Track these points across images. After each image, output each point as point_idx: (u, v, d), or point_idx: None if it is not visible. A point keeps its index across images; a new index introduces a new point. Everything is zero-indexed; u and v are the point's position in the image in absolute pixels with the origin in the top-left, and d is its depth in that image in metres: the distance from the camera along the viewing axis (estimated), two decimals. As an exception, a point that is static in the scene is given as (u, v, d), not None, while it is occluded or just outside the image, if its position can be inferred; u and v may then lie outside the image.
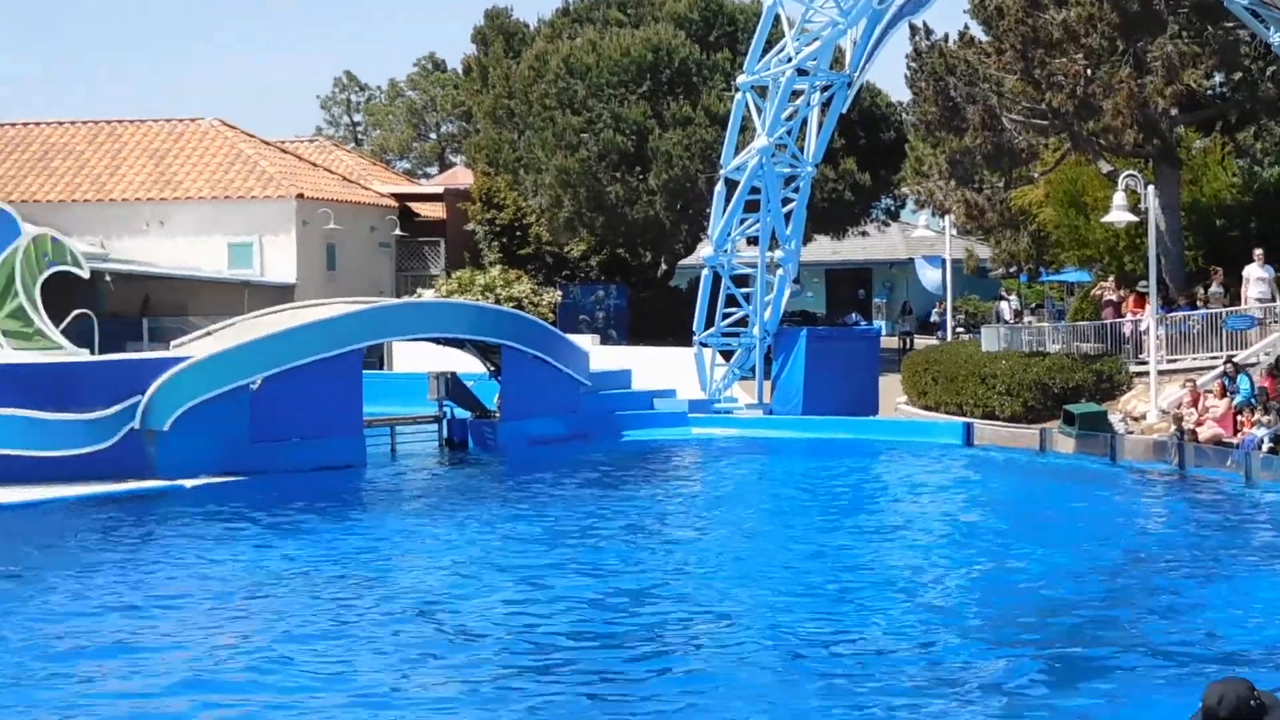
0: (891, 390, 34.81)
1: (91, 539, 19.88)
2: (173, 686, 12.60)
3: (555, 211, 47.09)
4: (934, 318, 52.75)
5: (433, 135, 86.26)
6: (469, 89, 55.84)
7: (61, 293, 29.40)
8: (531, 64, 48.38)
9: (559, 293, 48.12)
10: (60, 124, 51.01)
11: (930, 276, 52.98)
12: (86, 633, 14.45)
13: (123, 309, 42.04)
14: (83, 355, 27.38)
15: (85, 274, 29.12)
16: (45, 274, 28.19)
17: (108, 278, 38.88)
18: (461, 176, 58.80)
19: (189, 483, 23.86)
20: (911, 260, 57.53)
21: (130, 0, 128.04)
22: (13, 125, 51.06)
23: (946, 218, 41.21)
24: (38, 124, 51.08)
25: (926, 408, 33.02)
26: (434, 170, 79.81)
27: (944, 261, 46.22)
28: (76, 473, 23.50)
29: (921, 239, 52.16)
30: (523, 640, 14.14)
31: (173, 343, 28.53)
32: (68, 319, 28.59)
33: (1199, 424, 25.72)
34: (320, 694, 12.33)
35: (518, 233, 50.78)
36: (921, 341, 48.62)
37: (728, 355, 34.02)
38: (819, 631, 14.42)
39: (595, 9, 51.63)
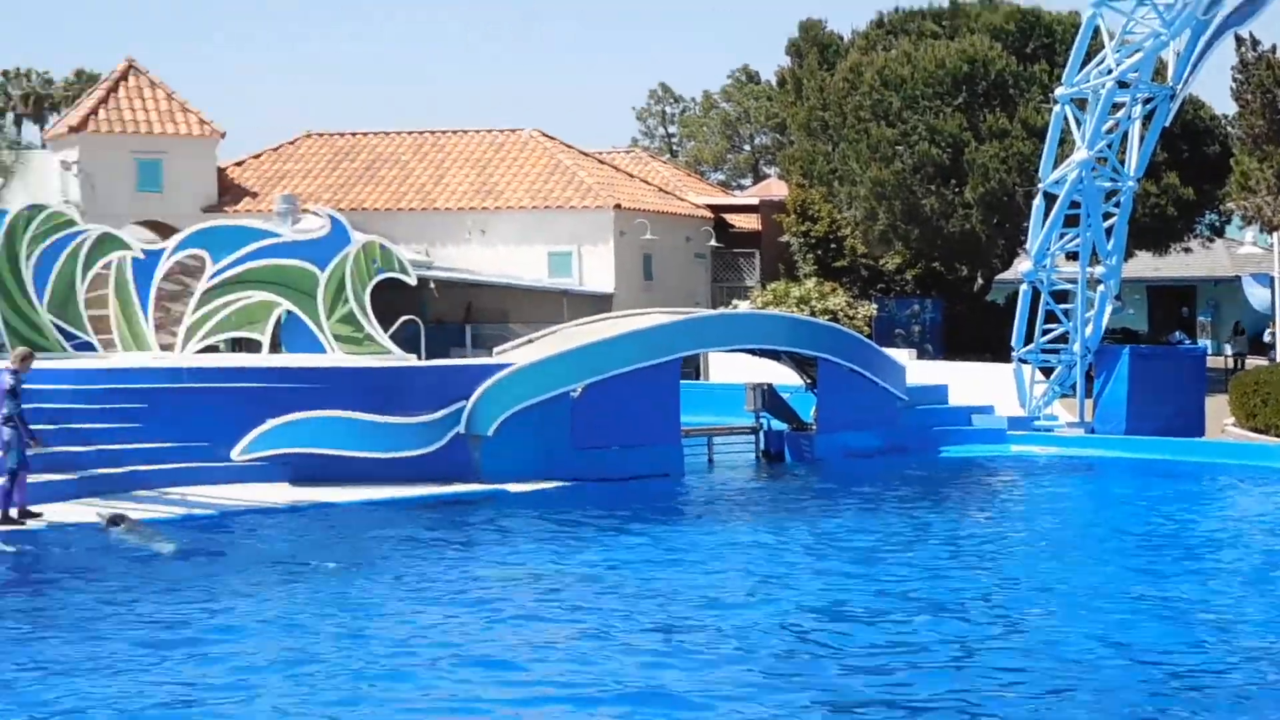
0: (1217, 412, 33.67)
1: (418, 539, 20.33)
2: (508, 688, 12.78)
3: (870, 224, 46.76)
4: (1266, 338, 50.93)
5: (746, 147, 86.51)
6: (783, 101, 55.84)
7: (389, 299, 30.24)
8: (846, 76, 48.13)
9: (874, 306, 47.75)
10: (387, 134, 52.55)
11: (1258, 295, 51.18)
12: (425, 630, 14.77)
13: (447, 315, 43.09)
14: (410, 360, 28.11)
15: (412, 281, 29.90)
16: (374, 280, 29.05)
17: (432, 285, 39.83)
18: (775, 188, 58.84)
19: (512, 487, 24.27)
20: (1237, 278, 55.68)
21: (454, 13, 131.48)
22: (342, 135, 52.77)
23: (1275, 234, 39.72)
24: (366, 134, 52.70)
25: (1255, 429, 31.84)
26: (747, 182, 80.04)
27: (1273, 279, 44.57)
28: (405, 475, 24.10)
29: (1248, 256, 50.42)
30: (849, 656, 13.97)
31: (496, 349, 29.07)
32: (395, 325, 29.39)
33: None
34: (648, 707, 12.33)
35: (832, 245, 50.59)
36: (1252, 362, 46.96)
37: (1047, 372, 33.31)
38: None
39: (910, 20, 51.14)
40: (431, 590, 16.81)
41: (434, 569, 18.17)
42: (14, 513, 20.09)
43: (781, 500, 25.18)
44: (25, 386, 20.54)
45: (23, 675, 12.99)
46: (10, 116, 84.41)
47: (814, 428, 29.31)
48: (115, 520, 20.07)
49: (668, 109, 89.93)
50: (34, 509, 20.33)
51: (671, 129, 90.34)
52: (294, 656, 13.66)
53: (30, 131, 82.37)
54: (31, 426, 20.66)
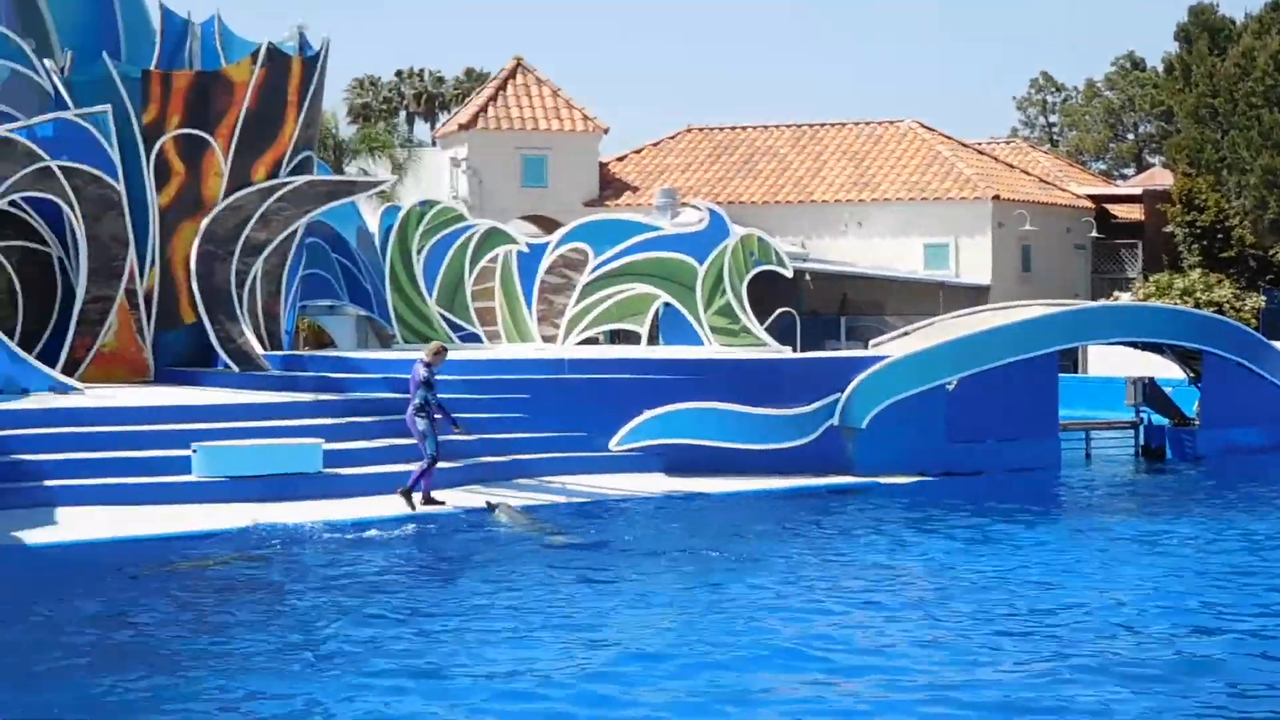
0: None
1: (794, 530, 20.49)
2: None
3: (1260, 213, 45.07)
4: None
5: (1130, 135, 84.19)
6: (1170, 88, 54.22)
7: (764, 291, 30.50)
8: (1238, 61, 46.48)
9: (1263, 298, 45.97)
10: (765, 128, 52.89)
11: None
12: (791, 619, 14.91)
13: (822, 308, 43.21)
14: (785, 352, 28.31)
15: (789, 273, 30.12)
16: (751, 272, 29.37)
17: (808, 277, 40.01)
18: (1159, 177, 57.14)
19: (885, 480, 24.25)
20: None
21: (835, 5, 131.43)
22: (721, 129, 53.34)
23: None
24: (744, 128, 53.15)
25: None
26: (1130, 171, 77.87)
27: None
28: (778, 466, 24.32)
29: None
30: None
31: (871, 341, 29.05)
32: (771, 316, 29.62)
33: None
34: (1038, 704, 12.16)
35: (1219, 235, 48.89)
36: None
37: None
38: None
39: (1308, 3, 49.07)
40: (815, 581, 16.90)
41: (813, 560, 18.29)
42: (417, 499, 20.97)
43: (1167, 496, 24.51)
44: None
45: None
46: (403, 115, 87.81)
47: (1197, 423, 28.47)
48: (492, 506, 20.82)
49: (1049, 98, 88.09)
50: (437, 496, 21.18)
51: (1052, 118, 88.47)
52: (681, 642, 13.92)
53: (421, 129, 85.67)
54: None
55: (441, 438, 21.14)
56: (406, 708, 11.79)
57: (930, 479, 24.56)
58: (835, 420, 24.82)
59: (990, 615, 15.16)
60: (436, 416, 21.00)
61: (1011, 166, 52.76)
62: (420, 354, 21.56)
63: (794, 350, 29.81)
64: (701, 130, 53.38)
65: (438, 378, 21.32)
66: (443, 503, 21.10)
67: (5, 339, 24.36)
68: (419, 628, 14.49)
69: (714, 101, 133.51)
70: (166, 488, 20.88)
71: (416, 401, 21.02)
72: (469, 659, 13.29)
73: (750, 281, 29.38)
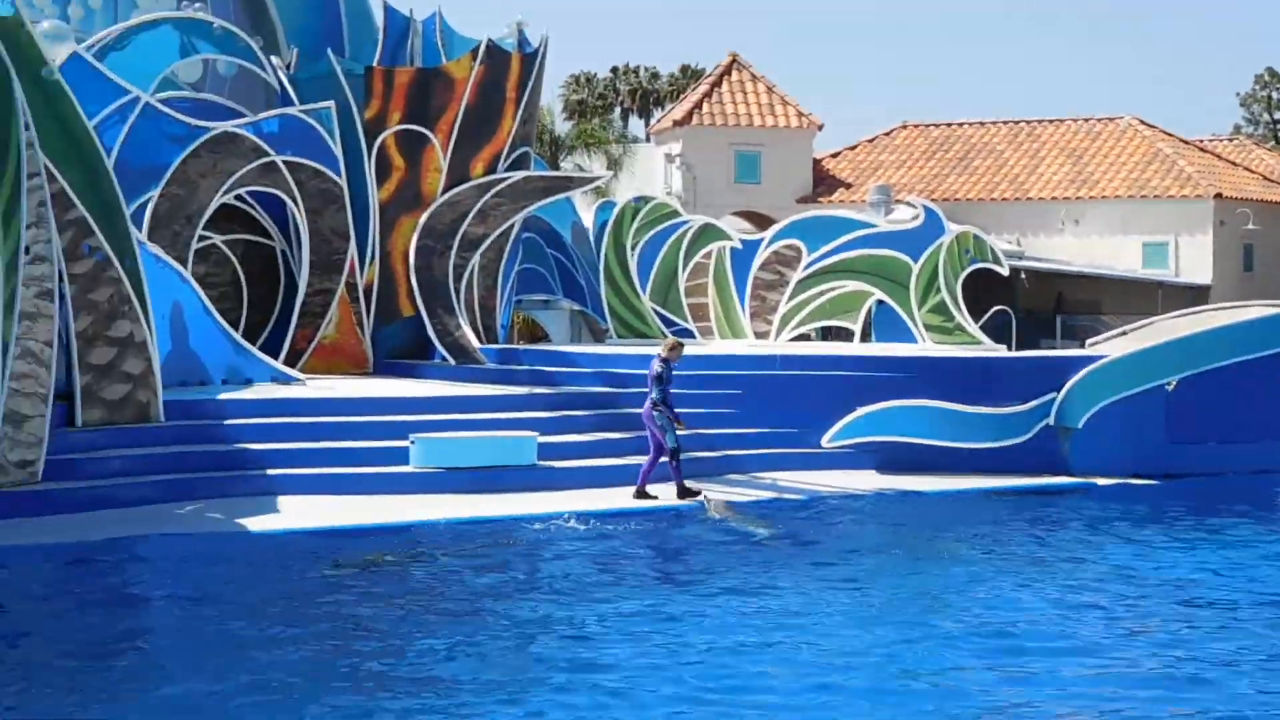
0: None
1: (1011, 530, 20.28)
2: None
3: None
4: None
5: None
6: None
7: (979, 289, 30.19)
8: None
9: None
10: (982, 124, 52.28)
11: None
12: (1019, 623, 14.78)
13: (1037, 306, 42.60)
14: (1000, 351, 28.00)
15: (1004, 271, 29.78)
16: (967, 270, 29.09)
17: (1023, 275, 39.50)
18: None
19: (1101, 481, 23.86)
20: None
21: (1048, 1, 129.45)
22: (936, 126, 52.85)
23: None
24: (960, 124, 52.60)
25: None
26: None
27: None
28: (990, 465, 24.05)
29: None
30: None
31: (1088, 341, 28.59)
32: (986, 315, 29.28)
33: None
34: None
35: None
36: None
37: None
38: None
39: None
40: (1038, 581, 16.73)
41: (1031, 559, 18.09)
42: (689, 485, 21.24)
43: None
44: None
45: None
46: (618, 111, 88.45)
47: None
48: (689, 492, 20.93)
49: (1274, 94, 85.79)
50: (650, 491, 21.35)
51: (1278, 114, 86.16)
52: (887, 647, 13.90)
53: (636, 125, 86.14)
54: (638, 411, 21.79)
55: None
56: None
57: (1148, 481, 24.08)
58: (1050, 420, 24.46)
59: (1189, 620, 14.88)
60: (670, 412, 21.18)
61: (1234, 164, 51.48)
62: (658, 349, 21.69)
63: (1009, 349, 29.43)
64: (917, 126, 52.94)
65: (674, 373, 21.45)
66: (655, 497, 21.21)
67: (230, 330, 25.05)
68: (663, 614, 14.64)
69: (930, 97, 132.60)
70: (384, 478, 21.30)
71: (654, 396, 21.21)
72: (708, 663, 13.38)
73: (964, 279, 29.10)
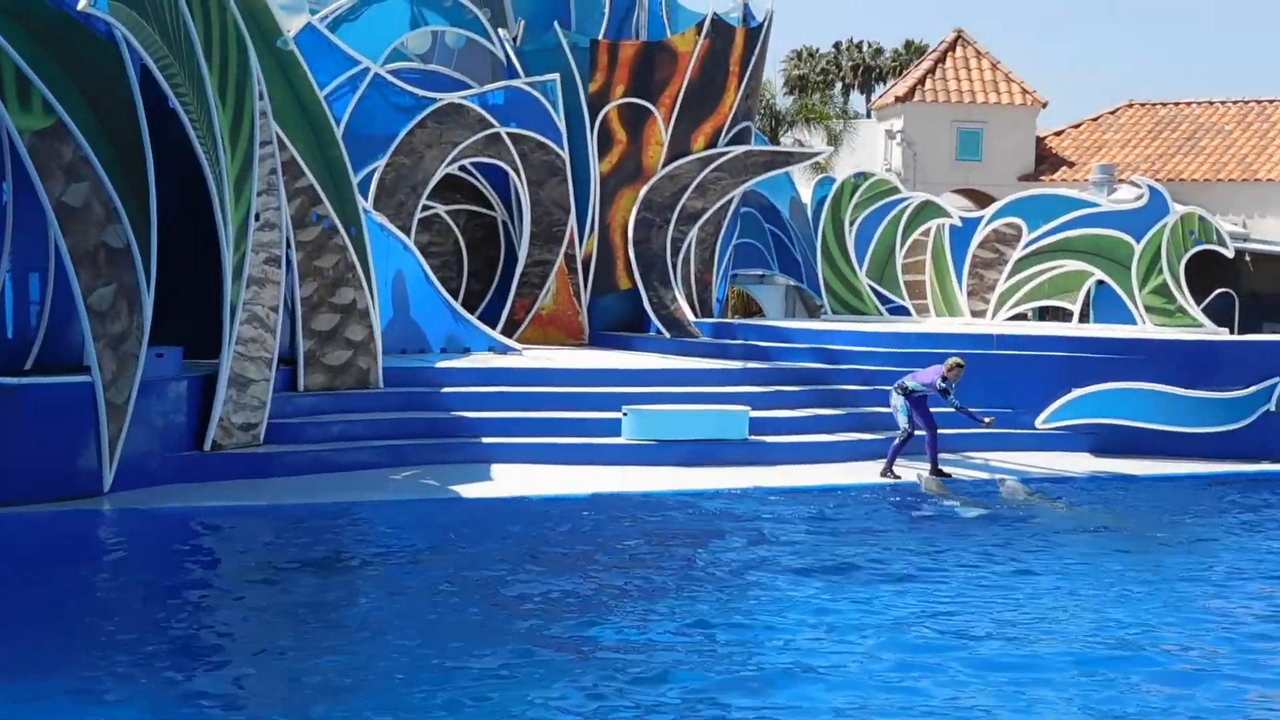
0: None
1: (1233, 515, 19.92)
2: None
3: None
4: None
5: None
6: None
7: (1201, 271, 29.57)
8: None
9: None
10: (1210, 104, 51.03)
11: None
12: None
13: (1262, 289, 41.53)
14: (1222, 334, 27.42)
15: (1229, 253, 29.13)
16: (1190, 252, 28.52)
17: (1248, 258, 38.56)
18: None
19: (1325, 468, 23.33)
20: None
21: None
22: (1163, 105, 51.71)
23: None
24: (1188, 104, 51.40)
25: None
26: None
27: None
28: (1209, 450, 23.62)
29: None
30: None
31: (1315, 326, 27.89)
32: (1209, 297, 28.67)
33: None
34: None
35: None
36: None
37: None
38: None
39: None
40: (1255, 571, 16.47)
41: (1258, 548, 17.80)
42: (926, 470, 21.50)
43: None
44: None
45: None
46: (839, 86, 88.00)
47: None
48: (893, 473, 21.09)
49: None
50: (944, 469, 21.72)
51: None
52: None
53: (857, 101, 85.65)
54: (851, 388, 21.90)
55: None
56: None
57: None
58: (1271, 406, 23.92)
59: None
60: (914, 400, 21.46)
61: None
62: (941, 367, 21.64)
63: (1231, 332, 28.79)
64: (1143, 105, 51.84)
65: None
66: (899, 477, 21.31)
67: (450, 299, 25.53)
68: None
69: (1157, 76, 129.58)
70: (597, 449, 21.55)
71: (909, 386, 21.41)
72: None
73: (1187, 261, 28.54)
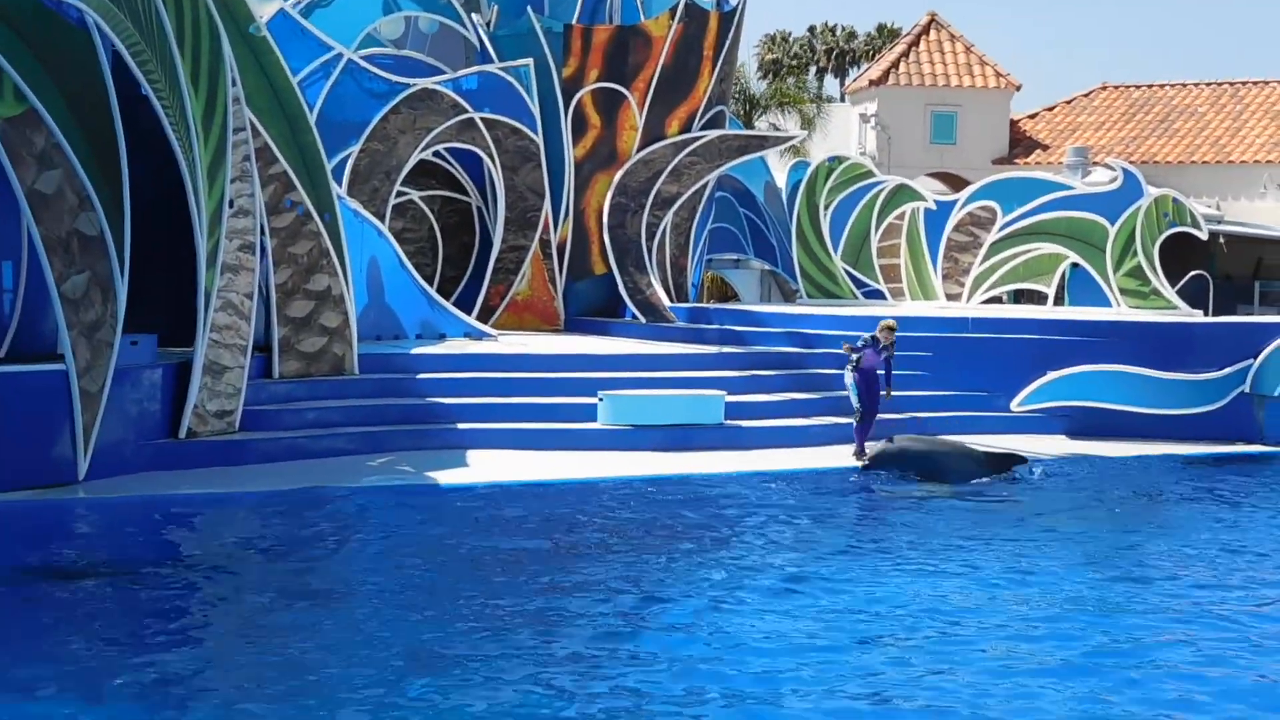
0: None
1: (1208, 496, 19.98)
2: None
3: None
4: None
5: None
6: None
7: (1176, 253, 29.66)
8: None
9: None
10: (1183, 86, 51.15)
11: None
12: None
13: (1235, 272, 41.68)
14: (1196, 316, 27.52)
15: (1203, 235, 29.23)
16: (1164, 234, 28.60)
17: (1221, 240, 38.69)
18: None
19: (1299, 451, 23.45)
20: None
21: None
22: (1137, 88, 51.82)
23: None
24: (1161, 86, 51.51)
25: None
26: None
27: None
28: (1182, 432, 23.75)
29: None
30: None
31: (1292, 308, 28.03)
32: (1183, 280, 28.76)
33: None
34: None
35: None
36: None
37: None
38: None
39: None
40: (1235, 552, 16.52)
41: (1219, 529, 17.84)
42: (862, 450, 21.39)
43: None
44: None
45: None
46: (813, 70, 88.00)
47: None
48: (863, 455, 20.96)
49: None
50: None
51: None
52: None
53: (831, 85, 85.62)
54: (826, 372, 21.94)
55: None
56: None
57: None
58: (1246, 387, 24.04)
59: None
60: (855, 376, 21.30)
61: None
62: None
63: (1205, 315, 28.90)
64: (1116, 88, 51.95)
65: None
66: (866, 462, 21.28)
67: (425, 285, 25.50)
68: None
69: (1130, 58, 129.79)
70: (572, 434, 21.56)
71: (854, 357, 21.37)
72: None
73: (1161, 244, 28.63)
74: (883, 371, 21.43)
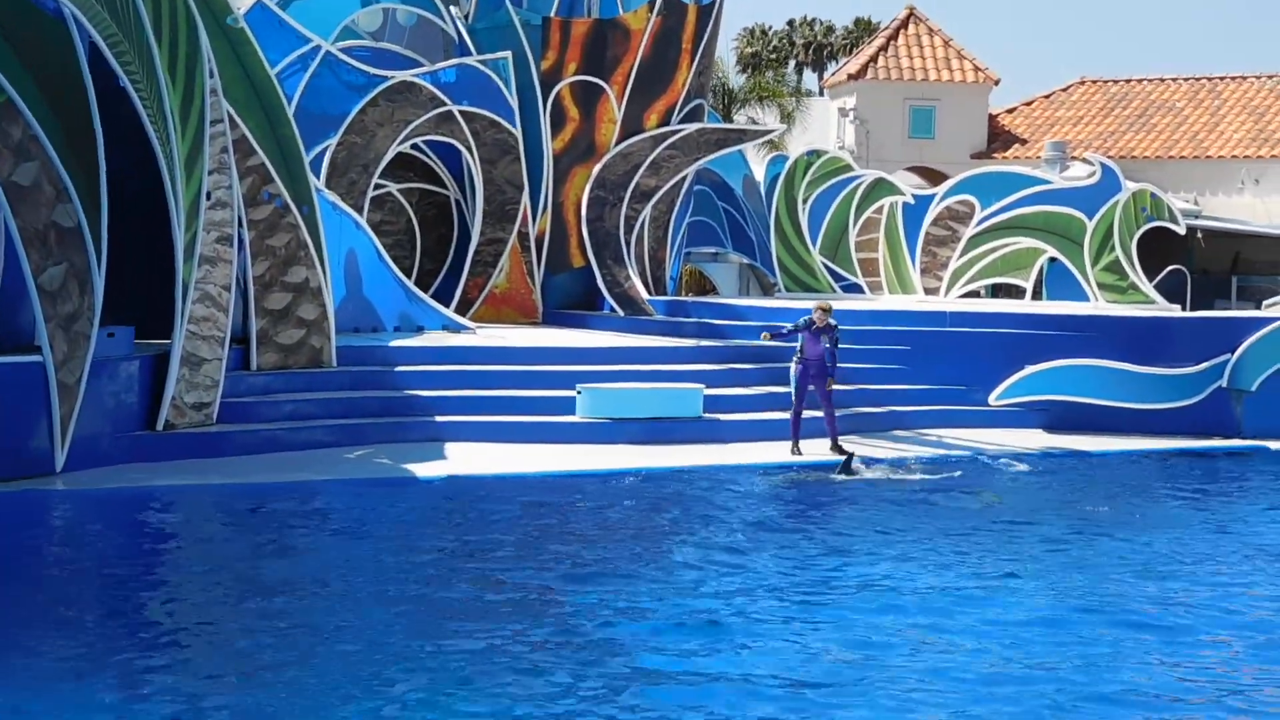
0: None
1: (1171, 492, 20.06)
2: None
3: None
4: None
5: None
6: None
7: (1153, 248, 29.72)
8: None
9: None
10: (1162, 81, 51.26)
11: None
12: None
13: (1213, 266, 41.80)
14: (1174, 311, 27.58)
15: (1181, 230, 29.28)
16: (1142, 229, 28.65)
17: (1199, 235, 38.80)
18: None
19: (1274, 445, 23.46)
20: None
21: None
22: (1115, 82, 51.92)
23: None
24: (1139, 81, 51.62)
25: None
26: None
27: None
28: (1160, 427, 23.82)
29: None
30: None
31: (1265, 302, 28.05)
32: (1161, 274, 28.81)
33: None
34: None
35: None
36: None
37: None
38: None
39: None
40: (1211, 546, 16.56)
41: (1203, 524, 17.89)
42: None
43: None
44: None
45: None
46: (792, 64, 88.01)
47: None
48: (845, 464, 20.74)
49: None
50: (803, 446, 21.38)
51: None
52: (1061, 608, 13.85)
53: (809, 79, 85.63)
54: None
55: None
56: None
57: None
58: (1224, 382, 24.11)
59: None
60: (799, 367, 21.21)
61: None
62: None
63: (1183, 309, 28.97)
64: (1095, 83, 52.06)
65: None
66: (800, 454, 21.18)
67: (404, 278, 25.45)
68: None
69: (1109, 53, 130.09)
70: (550, 427, 21.55)
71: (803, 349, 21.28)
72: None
73: (1139, 238, 28.69)
74: (830, 362, 21.32)
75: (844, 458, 20.58)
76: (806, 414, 21.60)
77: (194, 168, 18.94)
